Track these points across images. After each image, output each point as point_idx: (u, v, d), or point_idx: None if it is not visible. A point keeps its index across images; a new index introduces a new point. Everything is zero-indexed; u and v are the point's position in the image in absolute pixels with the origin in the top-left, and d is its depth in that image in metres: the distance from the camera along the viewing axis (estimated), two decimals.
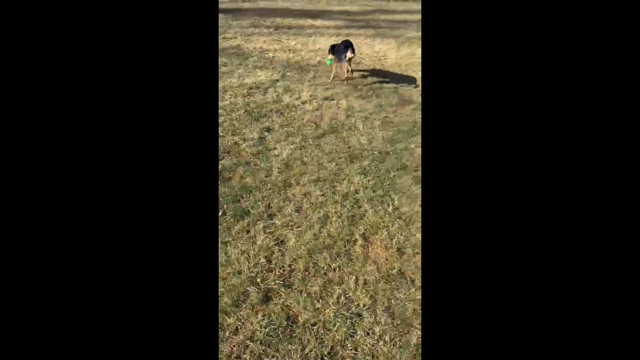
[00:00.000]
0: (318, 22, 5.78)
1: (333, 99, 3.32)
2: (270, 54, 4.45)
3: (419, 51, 4.84)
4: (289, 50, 4.64)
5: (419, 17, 6.82)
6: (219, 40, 4.78)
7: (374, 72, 4.03)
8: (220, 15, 6.05)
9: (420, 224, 1.82)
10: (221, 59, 4.13)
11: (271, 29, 5.50)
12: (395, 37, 5.43)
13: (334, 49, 3.66)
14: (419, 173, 2.26)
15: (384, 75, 3.95)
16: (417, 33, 5.73)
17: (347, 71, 3.73)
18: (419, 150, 2.53)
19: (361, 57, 4.53)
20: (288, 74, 3.85)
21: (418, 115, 3.07)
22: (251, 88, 3.46)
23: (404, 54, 4.68)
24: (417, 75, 3.99)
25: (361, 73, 3.98)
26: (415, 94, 3.52)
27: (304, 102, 3.22)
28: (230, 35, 5.14)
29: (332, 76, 3.75)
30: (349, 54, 3.45)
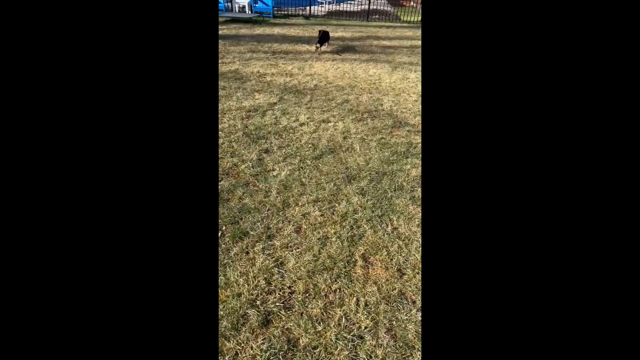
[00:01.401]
0: (314, 48, 5.97)
1: (330, 122, 3.39)
2: (268, 78, 4.55)
3: (411, 75, 4.99)
4: (286, 74, 4.76)
5: (409, 43, 7.07)
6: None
7: (369, 95, 4.14)
8: (219, 41, 6.22)
9: (419, 244, 1.83)
10: (220, 83, 4.22)
11: (268, 54, 5.66)
12: (388, 62, 5.61)
13: (320, 34, 5.95)
14: (415, 193, 2.29)
15: (379, 98, 4.06)
16: (409, 58, 5.93)
17: (318, 50, 6.00)
18: (414, 171, 2.57)
19: (356, 80, 4.66)
20: (285, 97, 3.93)
21: (413, 137, 3.14)
22: (249, 111, 3.52)
23: (397, 78, 4.82)
24: (411, 98, 4.11)
25: (356, 95, 4.09)
26: (409, 116, 3.61)
27: (301, 124, 3.28)
28: (229, 60, 5.26)
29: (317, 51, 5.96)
30: (321, 45, 5.96)
